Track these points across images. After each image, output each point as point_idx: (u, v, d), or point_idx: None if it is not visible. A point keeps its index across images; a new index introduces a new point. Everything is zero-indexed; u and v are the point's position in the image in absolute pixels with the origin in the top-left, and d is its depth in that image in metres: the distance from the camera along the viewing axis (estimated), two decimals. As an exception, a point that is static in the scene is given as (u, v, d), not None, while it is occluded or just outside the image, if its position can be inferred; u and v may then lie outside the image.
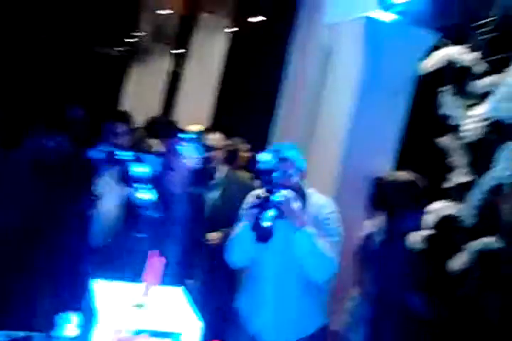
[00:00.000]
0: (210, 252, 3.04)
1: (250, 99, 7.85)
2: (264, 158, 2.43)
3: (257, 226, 2.31)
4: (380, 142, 3.80)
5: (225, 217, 2.95)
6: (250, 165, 4.55)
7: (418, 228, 2.84)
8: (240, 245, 2.44)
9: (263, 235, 2.30)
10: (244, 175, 4.13)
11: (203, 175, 3.15)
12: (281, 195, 2.31)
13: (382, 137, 3.82)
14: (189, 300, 1.73)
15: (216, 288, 3.15)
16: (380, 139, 3.80)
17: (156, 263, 1.66)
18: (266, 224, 2.29)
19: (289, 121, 4.35)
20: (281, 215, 2.31)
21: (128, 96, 9.61)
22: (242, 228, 2.43)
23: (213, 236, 3.21)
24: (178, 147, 2.61)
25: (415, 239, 2.84)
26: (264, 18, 7.62)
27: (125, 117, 3.40)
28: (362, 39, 3.63)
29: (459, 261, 3.48)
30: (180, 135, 2.71)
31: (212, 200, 3.31)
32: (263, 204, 2.32)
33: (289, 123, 4.32)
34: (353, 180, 3.62)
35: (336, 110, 3.86)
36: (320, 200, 2.54)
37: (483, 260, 3.45)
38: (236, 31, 7.91)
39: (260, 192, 2.45)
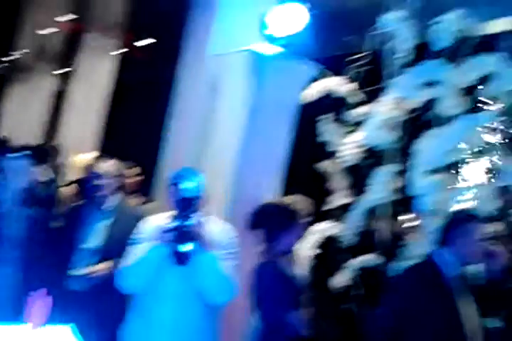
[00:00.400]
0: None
1: (139, 122, 7.80)
2: (189, 186, 2.51)
3: (175, 250, 2.38)
4: (268, 167, 3.97)
5: (117, 245, 2.95)
6: (141, 189, 4.55)
7: (290, 250, 2.99)
8: (145, 268, 2.48)
9: (181, 258, 2.40)
10: (134, 202, 4.12)
11: (37, 196, 3.17)
12: (195, 219, 2.39)
13: (270, 163, 4.00)
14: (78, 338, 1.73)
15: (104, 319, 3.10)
16: (268, 165, 3.97)
17: (40, 303, 1.64)
18: (185, 248, 2.38)
19: (178, 145, 4.42)
20: (193, 239, 2.41)
21: (7, 117, 9.12)
22: (149, 251, 2.47)
23: (101, 267, 3.17)
24: (8, 165, 2.60)
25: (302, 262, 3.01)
26: (154, 40, 7.65)
27: None
28: (246, 70, 3.80)
29: (340, 279, 3.72)
30: (10, 154, 2.71)
31: (103, 229, 3.29)
32: (180, 228, 2.38)
33: (178, 147, 4.39)
34: (244, 205, 3.73)
35: (225, 137, 3.99)
36: (220, 225, 2.66)
37: (363, 276, 3.71)
38: (125, 52, 7.86)
39: (169, 215, 2.52)
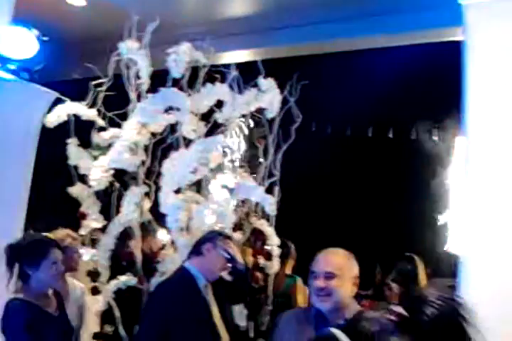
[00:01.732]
0: None
1: None
2: None
3: None
4: (9, 200, 3.74)
5: None
6: None
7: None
8: None
9: None
10: None
11: None
12: None
13: (11, 195, 3.77)
14: None
15: None
16: (9, 197, 3.74)
17: None
18: None
19: None
20: None
21: None
22: None
23: None
24: None
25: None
26: None
27: None
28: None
29: (98, 302, 3.73)
30: None
31: None
32: None
33: None
34: None
35: None
36: None
37: (122, 296, 3.78)
38: None
39: None
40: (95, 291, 3.81)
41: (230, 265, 3.11)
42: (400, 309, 1.40)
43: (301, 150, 3.92)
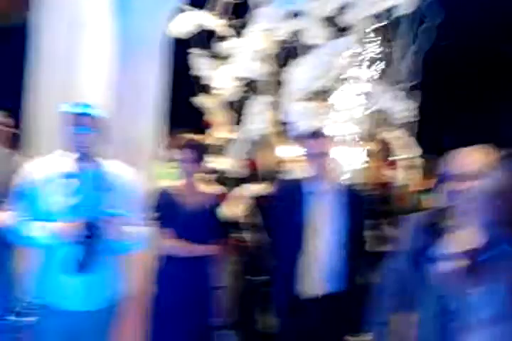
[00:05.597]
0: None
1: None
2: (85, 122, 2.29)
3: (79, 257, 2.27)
4: (143, 105, 3.87)
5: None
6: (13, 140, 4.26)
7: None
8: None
9: (82, 266, 2.28)
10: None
11: None
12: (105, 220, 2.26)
13: (144, 100, 3.90)
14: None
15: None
16: (142, 102, 3.87)
17: None
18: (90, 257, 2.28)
19: (43, 91, 4.16)
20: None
21: None
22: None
23: None
24: None
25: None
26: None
27: None
28: (109, 4, 3.61)
29: (232, 208, 3.88)
30: None
31: None
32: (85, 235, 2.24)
33: (43, 93, 4.14)
34: (122, 146, 3.66)
35: (92, 78, 3.82)
36: (124, 170, 2.46)
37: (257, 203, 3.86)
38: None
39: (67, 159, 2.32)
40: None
41: None
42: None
43: (442, 50, 3.61)
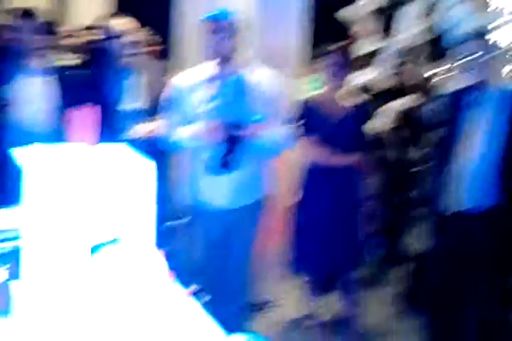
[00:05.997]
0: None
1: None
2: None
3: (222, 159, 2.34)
4: (289, 15, 3.77)
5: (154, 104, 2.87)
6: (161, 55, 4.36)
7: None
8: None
9: (225, 165, 2.35)
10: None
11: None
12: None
13: (290, 10, 3.78)
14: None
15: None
16: (289, 13, 3.77)
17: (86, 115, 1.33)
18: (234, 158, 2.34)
19: (188, 4, 4.18)
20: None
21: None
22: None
23: (145, 128, 2.95)
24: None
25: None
26: None
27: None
28: None
29: (379, 122, 3.71)
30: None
31: (137, 88, 3.13)
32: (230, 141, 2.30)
33: (189, 6, 4.16)
34: (269, 54, 3.59)
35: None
36: (267, 74, 2.42)
37: (405, 117, 3.65)
38: None
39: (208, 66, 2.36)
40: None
41: None
42: None
43: None
